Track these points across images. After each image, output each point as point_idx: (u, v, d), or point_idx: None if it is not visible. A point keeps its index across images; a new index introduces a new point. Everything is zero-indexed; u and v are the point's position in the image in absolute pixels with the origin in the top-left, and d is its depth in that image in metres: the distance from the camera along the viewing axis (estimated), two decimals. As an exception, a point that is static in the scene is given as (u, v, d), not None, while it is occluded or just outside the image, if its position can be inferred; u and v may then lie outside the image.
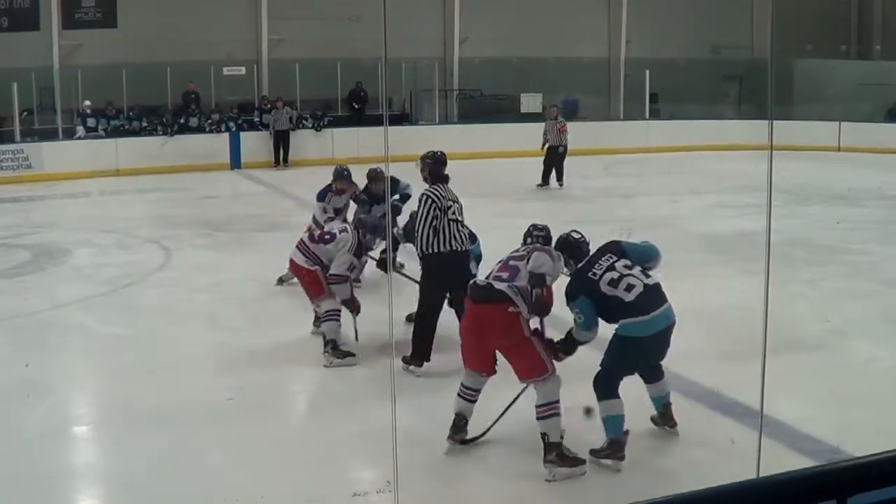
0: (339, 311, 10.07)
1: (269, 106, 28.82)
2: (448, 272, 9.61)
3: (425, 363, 9.59)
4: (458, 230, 9.66)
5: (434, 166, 9.77)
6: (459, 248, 9.66)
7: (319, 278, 10.17)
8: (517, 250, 7.82)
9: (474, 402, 7.70)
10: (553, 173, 23.25)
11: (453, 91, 34.00)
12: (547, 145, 23.40)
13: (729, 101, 35.78)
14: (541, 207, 19.86)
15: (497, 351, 7.60)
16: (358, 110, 30.96)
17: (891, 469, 3.24)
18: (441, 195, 9.57)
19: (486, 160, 26.90)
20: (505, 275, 7.53)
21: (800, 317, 11.24)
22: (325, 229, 10.55)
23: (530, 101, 31.23)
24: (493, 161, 26.58)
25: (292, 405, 9.33)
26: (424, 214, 9.50)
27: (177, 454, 7.64)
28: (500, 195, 21.04)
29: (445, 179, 9.77)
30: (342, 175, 12.79)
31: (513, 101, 32.28)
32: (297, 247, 10.41)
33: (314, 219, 12.55)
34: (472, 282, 7.85)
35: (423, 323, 9.70)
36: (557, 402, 7.29)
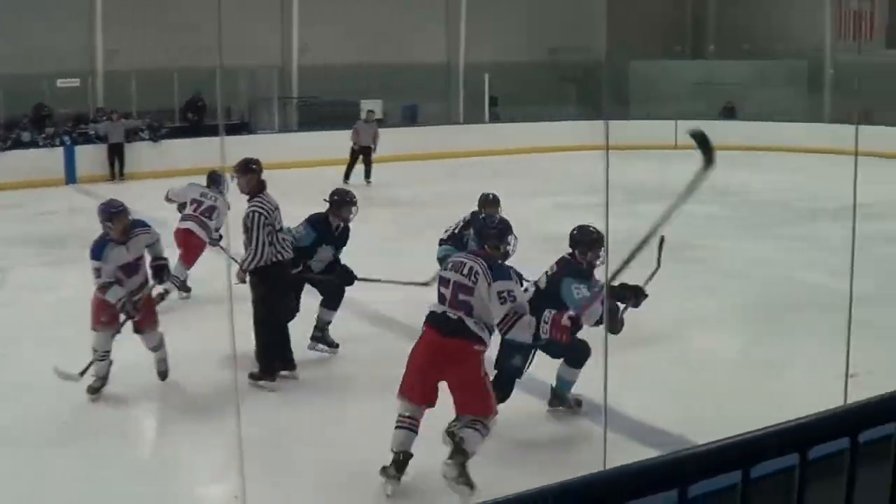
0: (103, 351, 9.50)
1: (104, 118, 28.20)
2: (284, 281, 9.66)
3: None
4: (284, 238, 9.80)
5: (259, 175, 9.77)
6: (286, 257, 9.82)
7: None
8: (455, 264, 7.47)
9: (416, 431, 7.37)
10: (363, 171, 25.75)
11: (292, 99, 33.75)
12: (357, 145, 25.94)
13: (568, 103, 36.17)
14: (388, 214, 19.88)
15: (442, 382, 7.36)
16: (196, 120, 30.53)
17: (728, 456, 3.30)
18: (269, 209, 9.57)
19: (328, 167, 26.78)
20: (461, 312, 7.25)
21: (642, 312, 11.41)
22: None
23: (370, 107, 31.13)
24: (335, 168, 26.48)
25: (137, 423, 9.15)
26: (258, 231, 9.44)
27: (18, 478, 7.45)
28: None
29: (265, 187, 9.73)
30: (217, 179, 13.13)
31: (353, 107, 32.14)
32: None
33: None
34: (437, 311, 7.42)
35: (272, 337, 9.62)
36: (488, 429, 7.22)
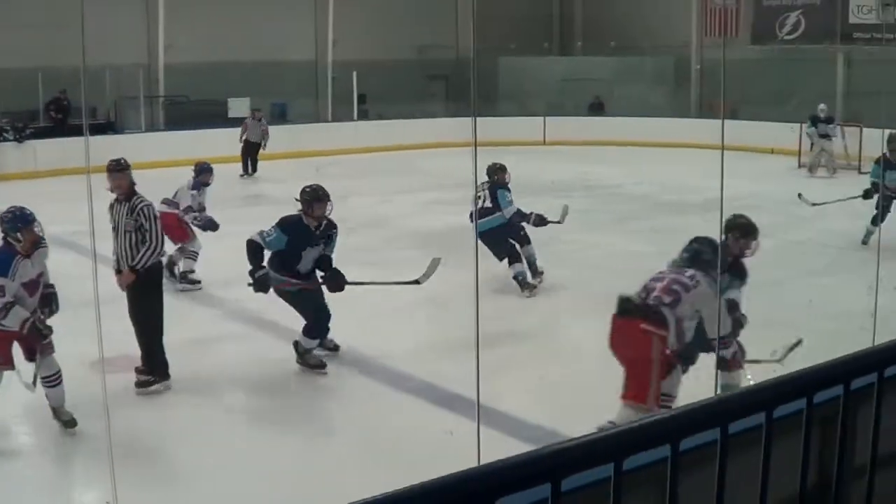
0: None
1: (-34, 120, 27.51)
2: (161, 281, 9.55)
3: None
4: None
5: (131, 175, 9.61)
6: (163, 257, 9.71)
7: None
8: (677, 271, 7.34)
9: None
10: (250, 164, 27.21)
11: (159, 98, 33.31)
12: (245, 140, 27.07)
13: (436, 100, 36.28)
14: (260, 212, 19.64)
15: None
16: (60, 120, 29.92)
17: (600, 449, 3.30)
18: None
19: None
20: (667, 298, 7.03)
21: (511, 307, 11.51)
22: None
23: (238, 106, 30.87)
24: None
25: (6, 430, 8.91)
26: (155, 224, 9.28)
27: None
28: (216, 201, 20.73)
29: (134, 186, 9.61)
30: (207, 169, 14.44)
31: (220, 105, 31.85)
32: None
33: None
34: (621, 296, 7.25)
35: (158, 337, 9.41)
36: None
